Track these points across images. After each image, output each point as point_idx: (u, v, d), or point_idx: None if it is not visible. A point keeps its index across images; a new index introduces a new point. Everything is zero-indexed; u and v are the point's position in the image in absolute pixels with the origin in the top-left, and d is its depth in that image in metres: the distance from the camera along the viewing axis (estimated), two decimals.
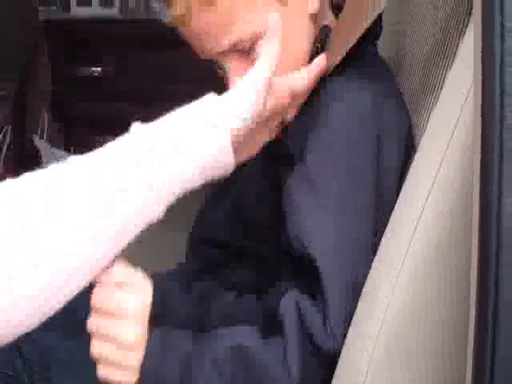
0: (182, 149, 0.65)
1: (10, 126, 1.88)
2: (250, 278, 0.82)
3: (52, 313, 0.63)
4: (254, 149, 0.76)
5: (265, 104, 0.70)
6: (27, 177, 0.63)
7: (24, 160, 2.10)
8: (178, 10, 0.77)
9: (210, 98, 0.68)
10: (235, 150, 0.67)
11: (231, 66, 0.80)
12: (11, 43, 1.76)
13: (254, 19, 0.77)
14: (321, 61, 0.75)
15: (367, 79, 0.75)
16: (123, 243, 0.65)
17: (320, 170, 0.73)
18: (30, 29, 1.91)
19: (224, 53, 0.79)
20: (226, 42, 0.78)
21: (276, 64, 0.73)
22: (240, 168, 0.84)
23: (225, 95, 0.70)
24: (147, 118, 2.20)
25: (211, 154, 0.66)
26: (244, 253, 0.84)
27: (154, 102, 2.15)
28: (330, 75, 0.76)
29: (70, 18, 2.22)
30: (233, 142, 0.66)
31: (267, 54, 0.69)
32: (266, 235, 0.80)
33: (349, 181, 0.72)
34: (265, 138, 0.76)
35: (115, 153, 0.66)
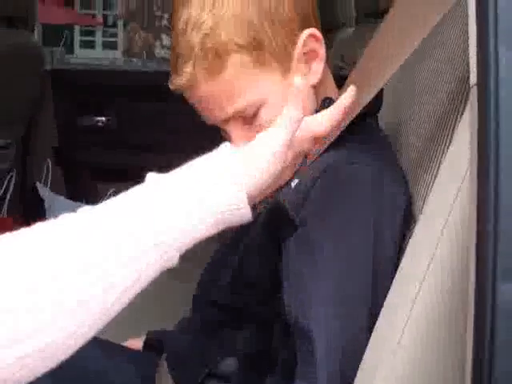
0: (198, 202, 0.63)
1: (14, 173, 1.91)
2: (249, 344, 0.84)
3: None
4: (275, 186, 0.75)
5: (284, 162, 0.69)
6: (41, 228, 0.62)
7: (28, 206, 2.13)
8: (183, 79, 0.80)
9: (227, 151, 0.65)
10: (253, 199, 0.66)
11: (234, 131, 0.82)
12: (17, 92, 1.80)
13: (258, 89, 0.80)
14: (344, 101, 0.72)
15: (367, 153, 0.77)
16: (134, 293, 0.65)
17: (318, 240, 0.74)
18: (36, 78, 1.95)
19: (227, 119, 0.82)
20: (230, 111, 0.80)
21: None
22: (243, 231, 0.87)
23: (243, 151, 0.67)
24: (148, 166, 2.21)
25: (227, 208, 0.64)
26: (244, 316, 0.85)
27: (155, 151, 2.20)
28: (331, 145, 0.78)
29: (75, 67, 2.26)
30: (250, 196, 0.64)
31: (287, 118, 0.68)
32: (268, 299, 0.81)
33: (347, 254, 0.73)
34: (287, 175, 0.76)
35: (129, 204, 0.66)
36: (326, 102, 0.83)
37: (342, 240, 0.73)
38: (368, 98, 0.74)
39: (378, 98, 0.81)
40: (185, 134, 2.19)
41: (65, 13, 11.30)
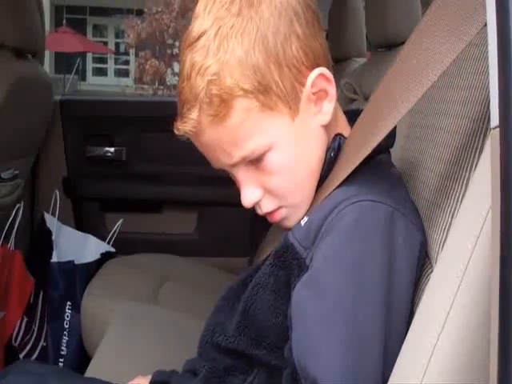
0: None
1: (21, 204, 1.89)
2: None
3: None
4: None
5: None
6: None
7: (35, 237, 2.11)
8: (187, 126, 0.78)
9: None
10: None
11: (241, 175, 0.80)
12: (26, 123, 1.80)
13: (265, 133, 0.77)
14: None
15: (379, 189, 0.74)
16: None
17: (327, 281, 0.71)
18: (45, 109, 1.95)
19: (232, 165, 0.80)
20: (236, 157, 0.78)
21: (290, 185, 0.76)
22: (251, 273, 0.84)
23: None
24: (157, 197, 2.22)
25: None
26: (253, 361, 0.82)
27: (165, 182, 2.19)
28: (342, 182, 0.76)
29: (83, 98, 2.26)
30: None
31: None
32: (277, 344, 0.78)
33: (358, 299, 0.69)
34: None
35: None
36: (337, 139, 0.80)
37: (352, 283, 0.70)
38: (382, 134, 0.72)
39: (391, 133, 0.79)
40: (195, 165, 2.17)
41: (77, 41, 11.43)
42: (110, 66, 20.34)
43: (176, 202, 2.21)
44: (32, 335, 2.01)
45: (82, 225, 2.18)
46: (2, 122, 1.55)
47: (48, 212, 2.07)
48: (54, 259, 1.91)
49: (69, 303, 1.89)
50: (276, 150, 0.78)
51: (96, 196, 2.18)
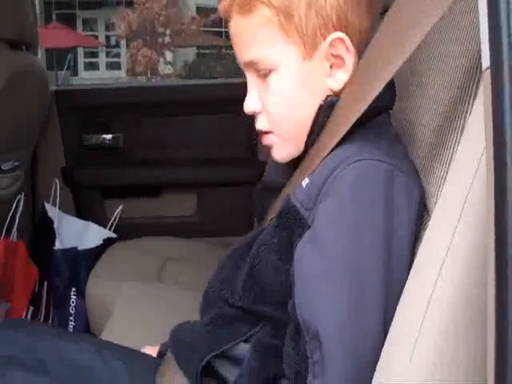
0: None
1: (22, 196, 1.90)
2: (263, 337, 0.83)
3: None
4: None
5: None
6: None
7: (37, 227, 2.12)
8: (223, 4, 0.85)
9: None
10: None
11: (249, 80, 0.86)
12: (23, 114, 1.80)
13: (273, 51, 0.82)
14: None
15: (379, 148, 0.75)
16: None
17: (328, 237, 0.73)
18: (41, 100, 1.95)
19: (245, 65, 0.85)
20: (245, 57, 0.84)
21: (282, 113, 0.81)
22: (255, 235, 0.86)
23: None
24: (156, 182, 2.22)
25: None
26: (260, 316, 0.84)
27: (163, 166, 2.20)
28: (340, 141, 0.78)
29: (80, 87, 2.26)
30: None
31: None
32: (282, 300, 0.80)
33: (359, 254, 0.71)
34: None
35: None
36: (330, 98, 0.82)
37: (353, 240, 0.72)
38: (379, 86, 0.73)
39: (392, 93, 0.81)
40: (192, 148, 2.19)
41: (68, 35, 11.38)
42: (102, 59, 20.26)
43: (175, 185, 2.21)
44: None
45: (82, 213, 2.19)
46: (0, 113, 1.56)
47: (49, 202, 2.08)
48: (57, 246, 1.92)
49: (74, 289, 1.91)
50: (279, 73, 0.83)
51: (95, 184, 2.19)
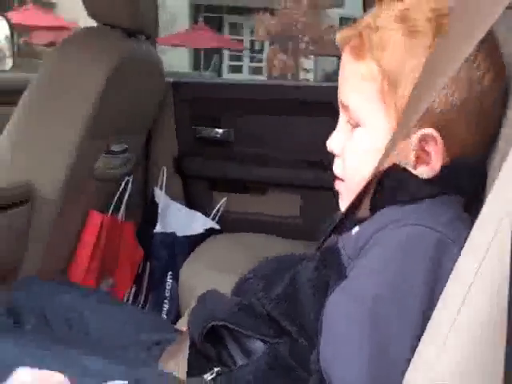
0: None
1: (131, 177, 2.00)
2: (283, 352, 0.81)
3: None
4: None
5: None
6: None
7: (145, 210, 2.23)
8: (340, 36, 0.84)
9: None
10: None
11: (340, 116, 0.86)
12: (138, 101, 1.89)
13: (366, 109, 0.80)
14: None
15: (437, 217, 0.73)
16: None
17: (365, 296, 0.70)
18: (157, 89, 2.04)
19: (341, 104, 0.85)
20: (341, 97, 0.84)
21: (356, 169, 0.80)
22: (312, 254, 0.86)
23: None
24: (261, 180, 2.24)
25: None
26: (284, 331, 0.83)
27: (270, 165, 2.22)
28: (394, 201, 0.77)
29: (196, 80, 2.33)
30: None
31: None
32: (308, 329, 0.78)
33: (393, 313, 0.68)
34: None
35: None
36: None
37: (390, 300, 0.69)
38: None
39: (473, 179, 0.79)
40: (299, 149, 2.20)
41: (213, 37, 11.79)
42: (246, 63, 20.76)
43: (280, 185, 2.23)
44: (138, 304, 2.12)
45: (190, 202, 2.26)
46: (110, 97, 1.64)
47: (159, 188, 2.18)
48: (157, 230, 2.00)
49: (170, 273, 1.98)
50: (366, 133, 0.81)
51: (204, 175, 2.25)
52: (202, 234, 2.06)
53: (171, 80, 2.17)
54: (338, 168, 0.86)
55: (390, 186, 0.78)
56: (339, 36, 0.84)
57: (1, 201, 1.51)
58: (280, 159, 2.20)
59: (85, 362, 0.87)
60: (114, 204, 1.94)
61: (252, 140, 2.21)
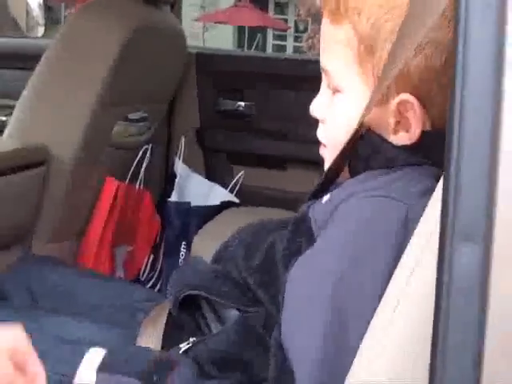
0: None
1: (150, 146, 2.01)
2: (253, 322, 0.82)
3: None
4: None
5: None
6: None
7: (165, 180, 2.25)
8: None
9: None
10: None
11: (323, 81, 0.84)
12: (159, 70, 1.90)
13: (344, 74, 0.79)
14: None
15: (405, 188, 0.72)
16: None
17: (326, 266, 0.69)
18: (178, 59, 2.04)
19: (322, 68, 0.83)
20: (322, 61, 0.82)
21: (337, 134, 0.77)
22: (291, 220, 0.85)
23: None
24: (281, 155, 2.23)
25: None
26: (258, 301, 0.83)
27: (291, 140, 2.22)
28: (370, 167, 0.76)
29: (219, 52, 2.33)
30: None
31: None
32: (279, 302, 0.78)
33: (350, 288, 0.67)
34: None
35: None
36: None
37: (348, 279, 0.68)
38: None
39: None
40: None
41: (256, 15, 11.73)
42: (289, 43, 20.61)
43: (300, 161, 2.23)
44: (155, 272, 2.15)
45: (210, 174, 2.28)
46: (126, 64, 1.65)
47: (179, 158, 2.19)
48: (172, 199, 2.02)
49: (184, 243, 2.00)
50: (345, 98, 0.80)
51: (224, 148, 2.26)
52: (217, 205, 2.07)
53: (195, 51, 2.17)
54: (320, 133, 0.86)
55: (364, 151, 0.78)
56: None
57: (17, 161, 1.54)
58: (301, 135, 2.19)
59: (69, 328, 0.89)
60: (131, 172, 1.96)
61: (274, 115, 2.21)
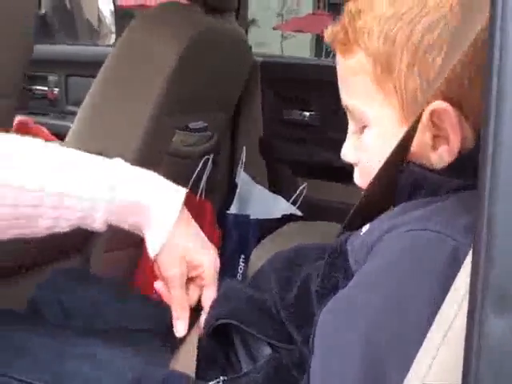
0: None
1: (211, 156, 1.97)
2: (287, 361, 0.76)
3: None
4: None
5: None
6: None
7: (227, 191, 2.21)
8: (327, 33, 0.77)
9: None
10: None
11: (349, 121, 0.79)
12: (224, 80, 1.87)
13: (366, 107, 0.73)
14: None
15: (454, 223, 0.62)
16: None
17: (362, 308, 0.62)
18: (243, 69, 2.00)
19: (346, 110, 0.78)
20: (343, 99, 0.77)
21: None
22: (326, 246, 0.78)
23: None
24: (346, 167, 2.15)
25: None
26: (292, 339, 0.77)
27: None
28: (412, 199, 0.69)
29: (285, 60, 2.27)
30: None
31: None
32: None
33: (390, 337, 0.59)
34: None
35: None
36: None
37: (385, 323, 0.60)
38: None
39: None
40: None
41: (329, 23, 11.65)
42: None
43: None
44: None
45: (273, 185, 2.22)
46: (185, 73, 1.63)
47: (241, 168, 2.15)
48: (232, 211, 1.98)
49: (242, 256, 1.95)
50: (371, 131, 0.73)
51: (288, 159, 2.20)
52: (278, 218, 2.01)
53: (260, 60, 2.13)
54: (357, 179, 0.80)
55: (405, 187, 0.70)
56: (326, 35, 0.77)
57: None
58: None
59: (95, 351, 0.85)
60: (192, 182, 1.93)
61: (339, 125, 2.13)
